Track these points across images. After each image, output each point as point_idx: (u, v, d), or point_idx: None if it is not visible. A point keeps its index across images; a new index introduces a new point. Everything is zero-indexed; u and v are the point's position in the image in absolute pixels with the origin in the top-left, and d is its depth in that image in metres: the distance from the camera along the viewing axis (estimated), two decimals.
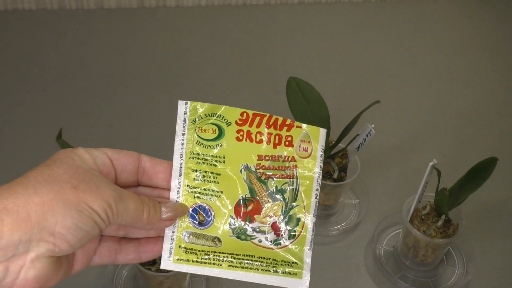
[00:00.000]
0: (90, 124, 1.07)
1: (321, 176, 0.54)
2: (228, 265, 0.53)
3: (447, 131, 1.12)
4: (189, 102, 0.53)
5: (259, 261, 0.53)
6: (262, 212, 0.53)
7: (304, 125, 0.54)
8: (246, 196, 0.54)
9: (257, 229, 0.53)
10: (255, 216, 0.53)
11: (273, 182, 0.54)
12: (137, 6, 1.34)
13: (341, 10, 1.40)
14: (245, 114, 0.54)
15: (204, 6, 1.36)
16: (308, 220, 0.54)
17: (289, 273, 0.53)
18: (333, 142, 0.89)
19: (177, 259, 0.53)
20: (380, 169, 1.03)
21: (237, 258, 0.53)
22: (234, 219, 0.53)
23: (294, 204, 0.54)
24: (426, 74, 1.25)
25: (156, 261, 0.77)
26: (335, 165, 0.89)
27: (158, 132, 1.06)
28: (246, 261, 0.53)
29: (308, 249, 0.53)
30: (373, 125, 0.83)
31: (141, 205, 0.49)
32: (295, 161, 0.54)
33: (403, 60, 1.28)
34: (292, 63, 1.24)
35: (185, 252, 0.53)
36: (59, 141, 0.74)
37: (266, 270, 0.53)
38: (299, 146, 0.54)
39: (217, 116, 0.53)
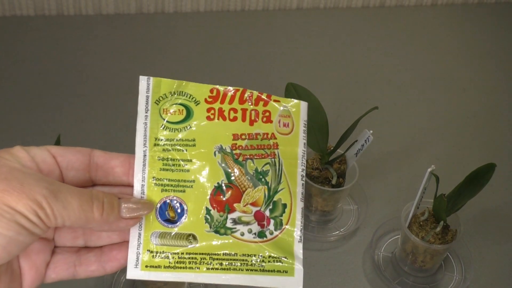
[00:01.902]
0: (87, 131, 1.07)
1: (305, 155, 0.48)
2: (207, 268, 0.45)
3: (445, 137, 1.12)
4: (151, 78, 0.47)
5: (243, 260, 0.46)
6: (243, 199, 0.46)
7: (282, 99, 0.48)
8: (223, 182, 0.46)
9: (238, 220, 0.46)
10: (235, 205, 0.46)
11: (253, 163, 0.47)
12: (135, 12, 1.34)
13: (340, 16, 1.40)
14: (215, 91, 0.47)
15: (203, 12, 1.36)
16: (296, 205, 0.47)
17: (278, 270, 0.46)
18: (332, 148, 0.89)
19: (146, 266, 0.45)
20: (378, 175, 1.03)
21: (217, 259, 0.46)
22: (210, 210, 0.46)
23: (279, 188, 0.47)
24: (425, 80, 1.25)
25: None
26: (334, 171, 0.89)
27: None
28: (227, 261, 0.46)
29: (299, 241, 0.47)
30: (371, 131, 0.83)
31: (88, 200, 0.40)
32: (275, 138, 0.47)
33: (401, 66, 1.28)
34: (290, 68, 1.24)
35: (155, 257, 0.45)
36: None
37: (252, 270, 0.46)
38: (279, 122, 0.47)
39: (184, 95, 0.47)
